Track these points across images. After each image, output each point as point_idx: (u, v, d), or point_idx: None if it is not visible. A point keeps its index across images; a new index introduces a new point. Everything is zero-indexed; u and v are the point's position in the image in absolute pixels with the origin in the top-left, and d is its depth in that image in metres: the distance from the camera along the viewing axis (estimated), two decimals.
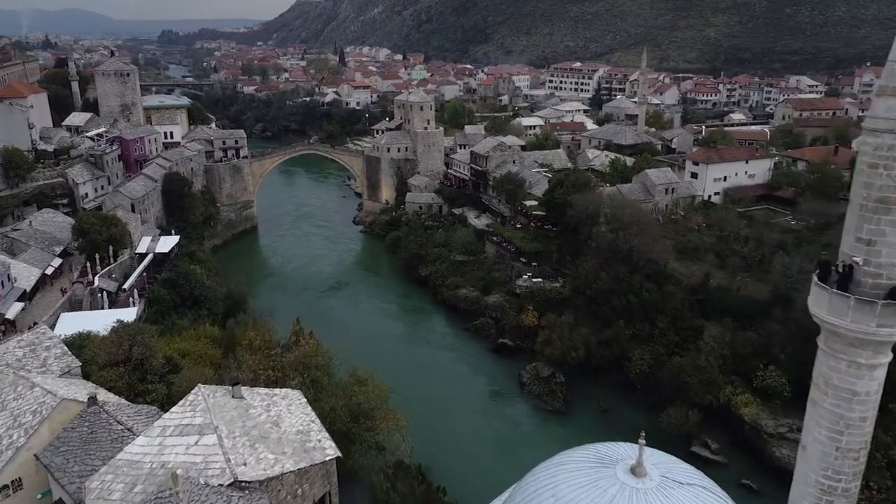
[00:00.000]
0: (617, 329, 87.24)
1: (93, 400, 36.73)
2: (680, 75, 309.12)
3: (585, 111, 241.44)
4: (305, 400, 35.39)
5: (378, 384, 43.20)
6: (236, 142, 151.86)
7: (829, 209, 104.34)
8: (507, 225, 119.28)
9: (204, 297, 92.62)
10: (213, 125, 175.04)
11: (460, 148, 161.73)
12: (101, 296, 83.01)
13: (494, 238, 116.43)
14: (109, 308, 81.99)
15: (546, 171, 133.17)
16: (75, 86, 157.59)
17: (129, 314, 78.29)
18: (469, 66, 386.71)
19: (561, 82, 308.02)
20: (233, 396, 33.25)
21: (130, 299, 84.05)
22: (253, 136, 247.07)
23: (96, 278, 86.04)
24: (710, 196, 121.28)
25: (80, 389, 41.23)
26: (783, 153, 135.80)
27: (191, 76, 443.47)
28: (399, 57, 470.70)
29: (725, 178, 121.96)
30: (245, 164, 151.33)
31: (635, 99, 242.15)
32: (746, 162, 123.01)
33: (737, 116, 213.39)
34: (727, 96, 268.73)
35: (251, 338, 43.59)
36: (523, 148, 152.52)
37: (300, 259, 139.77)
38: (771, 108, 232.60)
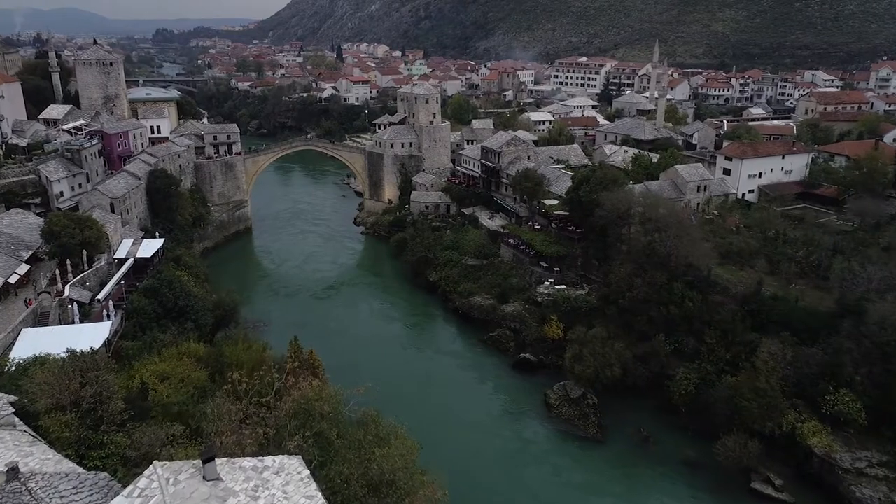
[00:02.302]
0: (656, 343, 77.37)
1: (13, 472, 26.61)
2: (689, 70, 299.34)
3: (594, 107, 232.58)
4: (308, 472, 25.08)
5: (404, 442, 33.10)
6: (228, 137, 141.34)
7: (879, 208, 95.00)
8: (523, 226, 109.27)
9: (190, 307, 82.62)
10: (204, 120, 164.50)
11: (467, 144, 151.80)
12: (72, 308, 72.68)
13: (510, 240, 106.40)
14: (81, 322, 71.91)
15: (563, 168, 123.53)
16: (56, 77, 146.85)
17: (101, 329, 68.45)
18: (471, 62, 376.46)
19: (566, 77, 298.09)
20: (204, 478, 23.08)
21: (105, 312, 73.68)
22: (248, 133, 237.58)
23: (67, 287, 75.82)
24: (743, 194, 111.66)
25: (7, 449, 31.13)
26: (819, 148, 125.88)
27: (185, 73, 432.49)
28: (397, 53, 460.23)
29: (760, 175, 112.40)
30: (238, 160, 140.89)
31: (646, 94, 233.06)
32: (783, 157, 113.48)
33: (756, 111, 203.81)
34: (740, 91, 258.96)
35: (235, 380, 33.30)
36: (535, 143, 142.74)
37: (297, 263, 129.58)
38: (791, 103, 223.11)
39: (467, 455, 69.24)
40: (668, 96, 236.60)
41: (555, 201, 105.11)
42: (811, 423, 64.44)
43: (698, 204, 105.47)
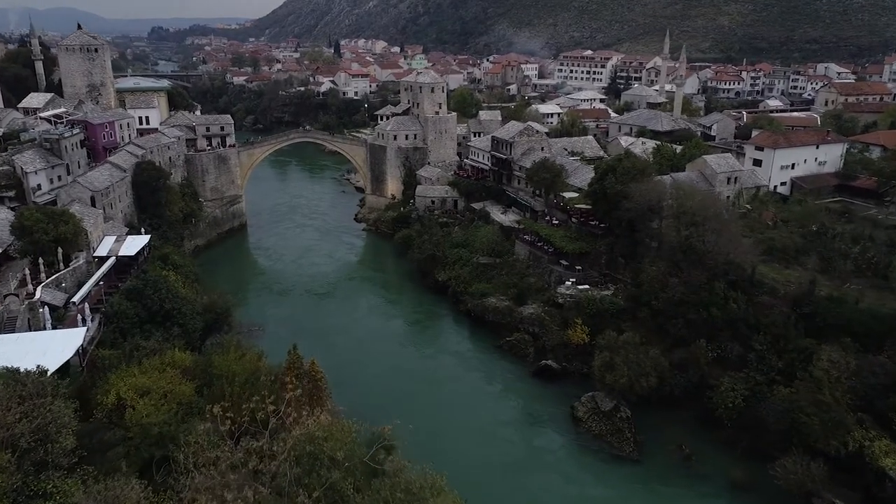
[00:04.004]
0: (696, 350, 69.52)
1: None
2: (697, 64, 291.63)
3: (601, 100, 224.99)
4: None
5: (445, 499, 24.93)
6: (222, 128, 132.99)
7: None
8: (540, 221, 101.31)
9: (177, 310, 74.62)
10: (197, 112, 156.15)
11: (474, 136, 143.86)
12: (43, 312, 64.55)
13: (526, 237, 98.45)
14: (53, 328, 63.91)
15: (577, 159, 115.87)
16: (39, 66, 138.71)
17: (74, 336, 60.48)
18: (471, 57, 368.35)
19: (571, 71, 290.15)
20: None
21: (79, 316, 65.61)
22: (243, 128, 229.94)
23: (38, 289, 67.82)
24: (775, 187, 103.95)
25: None
26: (853, 138, 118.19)
27: (179, 69, 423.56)
28: (396, 49, 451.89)
29: (793, 166, 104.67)
30: (232, 153, 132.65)
31: (656, 87, 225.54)
32: (817, 147, 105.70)
33: (773, 103, 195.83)
34: (751, 85, 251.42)
35: (217, 415, 24.53)
36: (547, 135, 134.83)
37: (295, 261, 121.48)
38: (810, 94, 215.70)
39: (486, 476, 61.49)
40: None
41: (574, 194, 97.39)
42: (882, 441, 56.67)
43: (728, 197, 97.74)
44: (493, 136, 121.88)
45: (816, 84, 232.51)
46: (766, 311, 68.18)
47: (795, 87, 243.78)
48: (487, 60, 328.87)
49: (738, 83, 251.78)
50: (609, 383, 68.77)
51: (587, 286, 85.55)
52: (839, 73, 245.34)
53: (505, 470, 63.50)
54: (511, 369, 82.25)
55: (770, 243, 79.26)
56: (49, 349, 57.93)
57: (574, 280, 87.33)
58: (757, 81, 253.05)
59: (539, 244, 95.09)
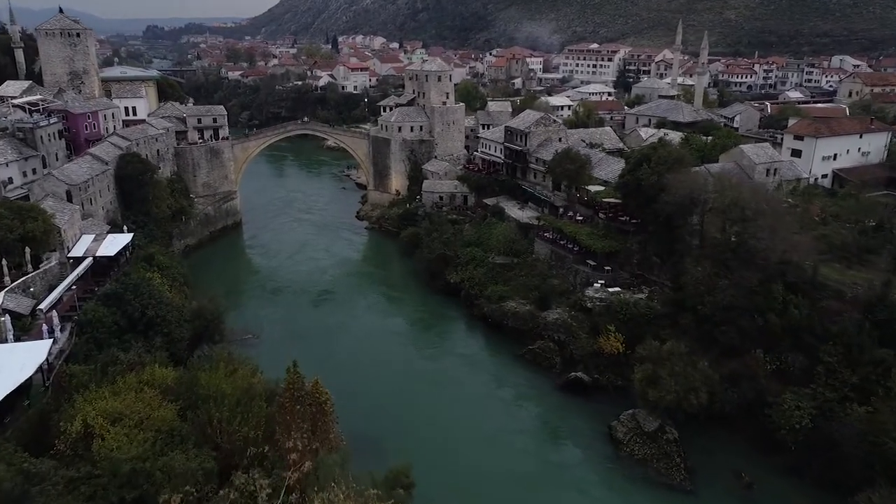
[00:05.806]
0: (751, 361, 61.15)
1: None
2: (707, 58, 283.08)
3: (610, 93, 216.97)
4: None
5: None
6: (214, 120, 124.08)
7: None
8: (561, 217, 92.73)
9: (162, 317, 66.38)
10: (189, 103, 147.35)
11: (483, 128, 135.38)
12: (5, 321, 55.89)
13: (547, 234, 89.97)
14: (16, 339, 55.34)
15: (598, 150, 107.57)
16: (20, 54, 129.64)
17: (37, 350, 51.95)
18: (473, 52, 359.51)
19: (577, 65, 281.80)
20: None
21: (46, 325, 56.98)
22: (239, 124, 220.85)
23: (1, 294, 59.36)
24: (815, 179, 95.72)
25: None
26: None
27: (173, 66, 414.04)
28: (395, 45, 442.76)
29: (835, 157, 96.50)
30: (226, 146, 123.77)
31: (668, 79, 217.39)
32: (860, 136, 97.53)
33: (793, 94, 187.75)
34: (763, 78, 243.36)
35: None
36: None
37: (293, 263, 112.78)
38: (830, 86, 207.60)
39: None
40: (689, 82, 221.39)
41: (600, 188, 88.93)
42: None
43: (768, 189, 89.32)
44: (506, 127, 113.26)
45: (831, 77, 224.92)
46: (834, 318, 59.74)
47: (810, 80, 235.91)
48: (491, 54, 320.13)
49: (751, 76, 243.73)
50: (653, 400, 60.39)
51: (618, 288, 77.18)
52: (855, 66, 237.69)
53: (536, 495, 55.20)
54: (535, 381, 73.77)
55: (826, 240, 70.86)
56: (6, 366, 49.52)
57: (603, 282, 78.94)
58: (770, 74, 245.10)
59: (562, 242, 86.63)
